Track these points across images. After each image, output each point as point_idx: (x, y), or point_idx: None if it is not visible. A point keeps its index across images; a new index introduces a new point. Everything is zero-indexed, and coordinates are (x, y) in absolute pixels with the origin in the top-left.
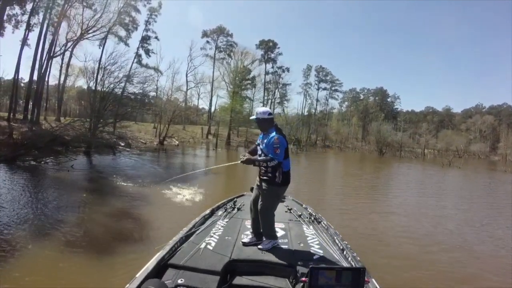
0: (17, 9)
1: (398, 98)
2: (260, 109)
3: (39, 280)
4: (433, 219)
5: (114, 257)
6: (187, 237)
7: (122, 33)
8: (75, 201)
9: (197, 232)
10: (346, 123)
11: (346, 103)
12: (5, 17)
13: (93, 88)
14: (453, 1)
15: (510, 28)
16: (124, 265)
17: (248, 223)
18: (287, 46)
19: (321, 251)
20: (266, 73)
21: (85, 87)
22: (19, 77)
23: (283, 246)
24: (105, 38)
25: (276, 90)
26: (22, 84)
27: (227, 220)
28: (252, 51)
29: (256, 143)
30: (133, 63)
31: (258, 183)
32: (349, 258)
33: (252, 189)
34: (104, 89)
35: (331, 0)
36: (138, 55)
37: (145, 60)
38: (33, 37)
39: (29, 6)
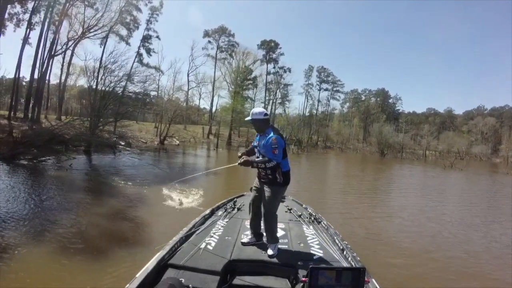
0: (18, 8)
1: (400, 99)
2: (255, 110)
3: (38, 280)
4: (434, 220)
5: (114, 257)
6: (187, 237)
7: (123, 32)
8: (71, 201)
9: (197, 232)
10: (348, 124)
11: (347, 104)
12: (6, 16)
13: (94, 87)
14: (453, 1)
15: (510, 28)
16: (124, 265)
17: (248, 223)
18: (287, 46)
19: (321, 251)
20: (268, 73)
21: (86, 86)
22: (20, 75)
23: (283, 246)
24: (106, 37)
25: (278, 91)
26: (24, 83)
27: (227, 220)
28: (253, 51)
29: (253, 145)
30: (134, 62)
31: (258, 186)
32: (349, 258)
33: (252, 189)
34: (105, 88)
35: (331, 0)
36: (139, 54)
37: (146, 59)
38: (34, 35)
39: (30, 5)
